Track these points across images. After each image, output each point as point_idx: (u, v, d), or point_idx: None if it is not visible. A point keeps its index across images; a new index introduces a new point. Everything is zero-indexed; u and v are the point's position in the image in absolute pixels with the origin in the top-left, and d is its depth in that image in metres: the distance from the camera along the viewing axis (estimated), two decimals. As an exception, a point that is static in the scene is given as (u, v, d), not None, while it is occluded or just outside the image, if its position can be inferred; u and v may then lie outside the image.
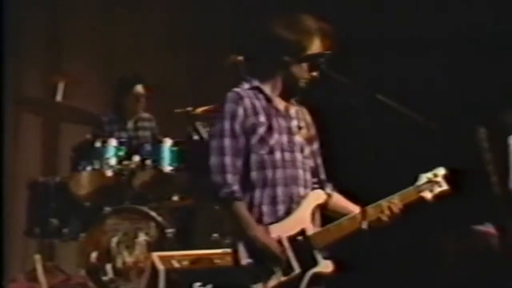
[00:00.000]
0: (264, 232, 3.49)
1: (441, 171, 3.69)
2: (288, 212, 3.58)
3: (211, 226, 5.75)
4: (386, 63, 5.93)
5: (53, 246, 6.47)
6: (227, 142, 3.53)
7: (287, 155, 3.63)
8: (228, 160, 3.51)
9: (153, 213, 5.73)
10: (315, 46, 3.63)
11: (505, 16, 5.61)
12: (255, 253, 3.45)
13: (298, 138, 3.69)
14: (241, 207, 3.49)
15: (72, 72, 6.83)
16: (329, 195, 3.73)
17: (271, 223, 3.54)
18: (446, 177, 3.68)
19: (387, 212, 3.58)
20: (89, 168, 5.82)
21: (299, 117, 3.75)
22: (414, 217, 3.76)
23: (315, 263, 3.50)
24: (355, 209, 3.65)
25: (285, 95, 3.70)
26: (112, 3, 7.53)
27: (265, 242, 3.46)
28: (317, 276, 3.49)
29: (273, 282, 3.45)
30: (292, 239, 3.51)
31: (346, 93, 3.76)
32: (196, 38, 7.65)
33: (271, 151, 3.58)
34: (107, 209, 5.78)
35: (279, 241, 3.50)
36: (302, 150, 3.69)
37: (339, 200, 3.75)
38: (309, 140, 3.75)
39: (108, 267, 5.62)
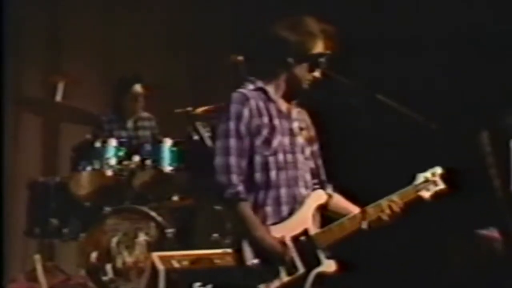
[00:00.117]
0: (269, 232, 3.50)
1: (438, 170, 3.70)
2: (291, 213, 3.60)
3: (211, 226, 5.76)
4: (386, 63, 5.92)
5: (53, 246, 6.46)
6: (232, 142, 3.54)
7: (289, 157, 3.65)
8: (233, 160, 3.52)
9: (153, 213, 5.74)
10: (318, 48, 3.65)
11: (505, 16, 5.61)
12: (260, 253, 3.46)
13: (300, 140, 3.71)
14: (246, 207, 3.50)
15: (72, 72, 6.83)
16: (329, 196, 3.74)
17: (275, 223, 3.55)
18: (443, 176, 3.68)
19: (387, 211, 3.59)
20: (89, 168, 5.82)
21: (299, 118, 3.76)
22: (416, 218, 3.77)
23: (318, 262, 3.52)
24: (355, 210, 3.66)
25: (288, 97, 3.71)
26: (112, 3, 7.53)
27: (270, 242, 3.47)
28: (320, 276, 3.51)
29: (277, 282, 3.46)
30: (295, 239, 3.52)
31: (346, 93, 3.76)
32: (196, 38, 7.65)
33: (275, 153, 3.60)
34: (107, 209, 5.78)
35: (283, 241, 3.51)
36: (303, 151, 3.72)
37: (339, 201, 3.76)
38: (309, 141, 3.77)
39: (108, 267, 5.62)
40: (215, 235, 5.64)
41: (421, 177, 3.68)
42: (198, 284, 4.41)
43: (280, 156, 3.61)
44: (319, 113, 3.87)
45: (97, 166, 5.80)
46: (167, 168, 5.84)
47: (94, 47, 7.35)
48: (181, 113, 5.79)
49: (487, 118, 5.23)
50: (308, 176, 3.72)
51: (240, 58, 4.95)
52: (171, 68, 7.48)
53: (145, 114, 6.63)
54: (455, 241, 5.34)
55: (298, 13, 3.75)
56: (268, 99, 3.66)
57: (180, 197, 6.06)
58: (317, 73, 3.65)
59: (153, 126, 6.60)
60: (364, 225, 3.59)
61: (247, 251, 3.46)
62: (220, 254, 4.53)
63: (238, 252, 3.51)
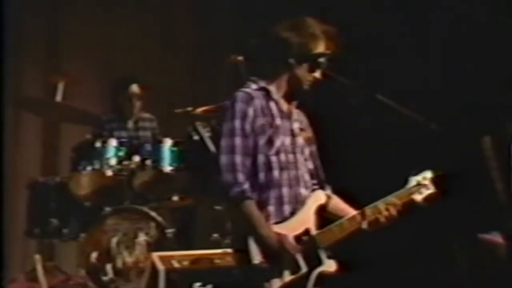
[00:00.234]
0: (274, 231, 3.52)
1: (428, 174, 3.74)
2: (293, 213, 3.61)
3: (211, 226, 5.76)
4: (386, 63, 5.92)
5: (53, 246, 6.46)
6: (238, 141, 3.55)
7: (291, 157, 3.67)
8: (238, 159, 3.53)
9: (153, 213, 5.74)
10: (320, 49, 3.66)
11: (505, 16, 5.61)
12: (266, 251, 3.46)
13: (300, 140, 3.73)
14: (252, 205, 3.50)
15: (72, 72, 6.83)
16: (328, 197, 3.75)
17: (277, 222, 3.56)
18: (433, 180, 3.72)
19: (385, 213, 3.61)
20: (89, 168, 5.82)
21: (299, 119, 3.79)
22: (418, 220, 3.78)
23: (319, 262, 3.53)
24: (353, 212, 3.67)
25: (288, 97, 3.72)
26: (112, 3, 7.53)
27: (277, 240, 3.47)
28: (321, 276, 3.53)
29: (280, 281, 3.47)
30: (297, 238, 3.54)
31: (346, 93, 3.76)
32: (196, 38, 7.66)
33: (277, 152, 3.62)
34: (107, 209, 5.78)
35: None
36: (302, 152, 3.74)
37: (338, 203, 3.78)
38: (308, 142, 3.79)
39: (108, 267, 5.62)
40: (215, 235, 5.64)
41: (413, 181, 3.72)
42: (198, 284, 4.42)
43: (282, 156, 3.63)
44: (319, 113, 3.87)
45: (97, 166, 5.80)
46: (167, 168, 5.84)
47: (94, 47, 7.35)
48: (181, 113, 5.79)
49: (488, 119, 5.24)
50: (307, 177, 3.74)
51: (240, 58, 4.95)
52: (171, 68, 7.49)
53: (146, 115, 6.63)
54: (457, 244, 5.34)
55: (298, 13, 3.75)
56: (270, 99, 3.68)
57: (180, 197, 6.06)
58: (317, 74, 3.67)
59: (154, 127, 6.60)
60: (364, 225, 3.60)
61: (254, 249, 3.47)
62: (220, 254, 4.54)
63: (241, 251, 3.50)
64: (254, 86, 3.69)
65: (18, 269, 6.29)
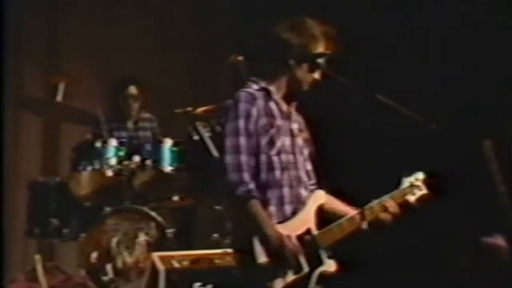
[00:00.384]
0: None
1: (420, 175, 3.77)
2: (295, 213, 3.62)
3: (211, 226, 5.76)
4: (386, 63, 5.92)
5: (53, 246, 6.46)
6: (242, 141, 3.55)
7: (291, 157, 3.68)
8: (244, 158, 3.53)
9: (153, 213, 5.74)
10: (320, 50, 3.67)
11: (505, 16, 5.61)
12: (271, 251, 3.46)
13: (299, 141, 3.75)
14: (258, 205, 3.51)
15: (72, 72, 6.82)
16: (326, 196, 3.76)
17: (279, 223, 3.57)
18: (425, 182, 3.75)
19: (382, 214, 3.63)
20: (89, 168, 5.82)
21: (298, 119, 3.80)
22: (420, 221, 3.78)
23: (320, 262, 3.55)
24: (350, 211, 3.68)
25: (288, 98, 3.73)
26: (112, 3, 7.53)
27: (282, 240, 3.48)
28: (322, 275, 3.54)
29: (283, 280, 3.47)
30: (299, 238, 3.55)
31: (346, 93, 3.76)
32: (197, 38, 7.65)
33: (279, 153, 3.63)
34: (107, 209, 5.78)
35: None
36: (301, 152, 3.75)
37: (334, 203, 3.77)
38: (306, 143, 3.79)
39: (108, 267, 5.62)
40: (215, 235, 5.64)
41: (406, 182, 3.75)
42: (198, 284, 4.42)
43: (283, 157, 3.64)
44: (319, 113, 3.88)
45: (97, 166, 5.80)
46: (167, 168, 5.84)
47: (94, 47, 7.35)
48: (181, 113, 5.79)
49: (488, 119, 5.24)
50: (305, 177, 3.75)
51: (240, 58, 4.95)
52: (171, 68, 7.49)
53: (146, 115, 6.63)
54: (458, 246, 5.34)
55: (299, 13, 3.75)
56: (270, 99, 3.68)
57: (180, 197, 6.06)
58: (317, 75, 3.68)
59: (154, 127, 6.60)
60: (364, 225, 3.61)
61: (258, 249, 3.47)
62: (220, 254, 4.54)
63: (242, 251, 3.51)
64: (255, 86, 3.69)
65: (18, 269, 6.29)
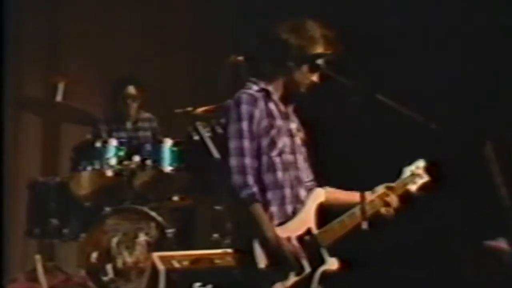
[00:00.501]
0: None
1: (421, 163, 3.81)
2: (295, 213, 3.63)
3: (211, 226, 5.76)
4: (386, 63, 5.92)
5: (53, 246, 6.46)
6: (246, 143, 3.55)
7: (291, 157, 3.69)
8: (248, 161, 3.54)
9: (153, 213, 5.74)
10: (319, 52, 3.66)
11: (505, 16, 5.61)
12: (272, 254, 3.46)
13: (298, 141, 3.75)
14: (260, 208, 3.51)
15: (72, 72, 6.83)
16: (325, 192, 3.76)
17: (280, 223, 3.57)
18: (426, 169, 3.78)
19: (383, 208, 3.62)
20: (89, 168, 5.83)
21: (295, 119, 3.80)
22: (420, 220, 3.78)
23: (322, 261, 3.55)
24: (355, 197, 3.61)
25: (285, 99, 3.73)
26: (112, 3, 7.53)
27: (283, 243, 3.48)
28: (324, 274, 3.54)
29: (286, 282, 3.47)
30: (300, 239, 3.55)
31: (346, 93, 3.76)
32: (196, 38, 7.65)
33: (280, 153, 3.64)
34: (107, 209, 5.78)
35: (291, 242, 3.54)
36: (301, 152, 3.76)
37: (337, 192, 3.78)
38: (303, 143, 3.79)
39: (109, 267, 5.62)
40: (215, 235, 5.64)
41: (407, 171, 3.78)
42: (198, 284, 4.42)
43: (284, 157, 3.65)
44: (318, 113, 3.88)
45: (97, 166, 5.80)
46: (167, 168, 5.85)
47: (94, 47, 7.35)
48: (181, 113, 5.78)
49: (489, 119, 5.24)
50: (305, 177, 3.75)
51: (240, 58, 4.95)
52: (171, 68, 7.49)
53: (146, 115, 6.63)
54: (460, 249, 5.34)
55: (299, 13, 3.75)
56: (270, 100, 3.68)
57: (180, 197, 6.06)
58: (315, 77, 3.68)
59: (154, 127, 6.59)
60: (365, 225, 3.60)
61: (259, 253, 3.47)
62: (220, 254, 4.54)
63: (242, 251, 3.51)
64: (255, 87, 3.69)
65: (18, 269, 6.29)
